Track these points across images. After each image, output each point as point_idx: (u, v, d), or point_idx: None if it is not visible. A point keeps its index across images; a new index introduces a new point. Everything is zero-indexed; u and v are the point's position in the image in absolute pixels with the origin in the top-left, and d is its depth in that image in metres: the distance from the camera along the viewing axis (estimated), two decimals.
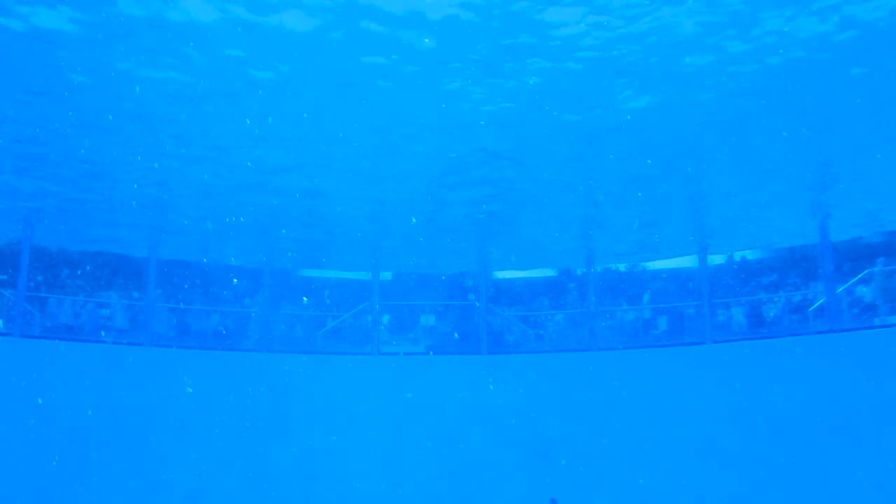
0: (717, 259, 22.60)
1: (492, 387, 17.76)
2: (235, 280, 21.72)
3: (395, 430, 17.53)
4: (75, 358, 16.55)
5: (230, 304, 21.28)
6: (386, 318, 20.85)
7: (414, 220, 17.59)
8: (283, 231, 18.69)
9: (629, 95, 11.91)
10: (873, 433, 15.07)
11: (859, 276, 17.72)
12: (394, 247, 20.31)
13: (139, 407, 16.44)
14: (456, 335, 20.79)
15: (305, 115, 12.30)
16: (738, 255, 23.10)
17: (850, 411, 15.23)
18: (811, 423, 15.54)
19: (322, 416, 17.40)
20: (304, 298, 21.97)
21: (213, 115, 12.32)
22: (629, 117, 12.50)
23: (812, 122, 12.99)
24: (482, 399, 17.73)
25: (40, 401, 15.60)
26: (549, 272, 24.23)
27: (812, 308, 18.20)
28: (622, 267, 24.03)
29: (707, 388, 16.70)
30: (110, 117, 12.39)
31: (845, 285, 17.70)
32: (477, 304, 20.63)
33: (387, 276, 22.95)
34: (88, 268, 21.03)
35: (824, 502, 15.04)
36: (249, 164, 14.29)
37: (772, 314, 19.41)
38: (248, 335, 20.29)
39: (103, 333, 18.56)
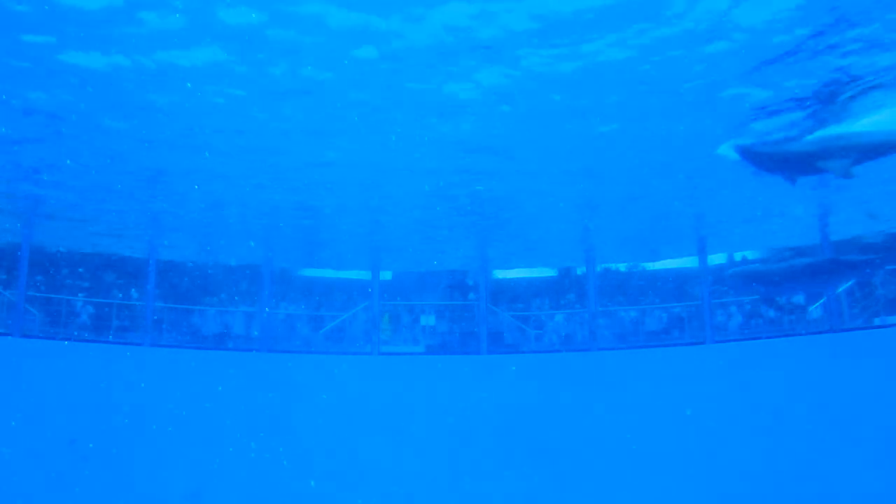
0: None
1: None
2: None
3: (395, 430, 17.57)
4: None
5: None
6: (386, 317, 20.88)
7: (414, 220, 17.61)
8: (283, 231, 18.74)
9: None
10: None
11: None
12: (394, 247, 20.31)
13: None
14: (456, 335, 20.82)
15: (306, 115, 12.29)
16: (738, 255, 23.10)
17: None
18: None
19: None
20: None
21: (213, 116, 12.32)
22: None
23: None
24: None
25: None
26: (549, 272, 24.24)
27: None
28: (622, 267, 24.05)
29: None
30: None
31: (845, 285, 17.70)
32: (477, 303, 20.65)
33: (387, 275, 22.98)
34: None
35: None
36: (249, 164, 14.30)
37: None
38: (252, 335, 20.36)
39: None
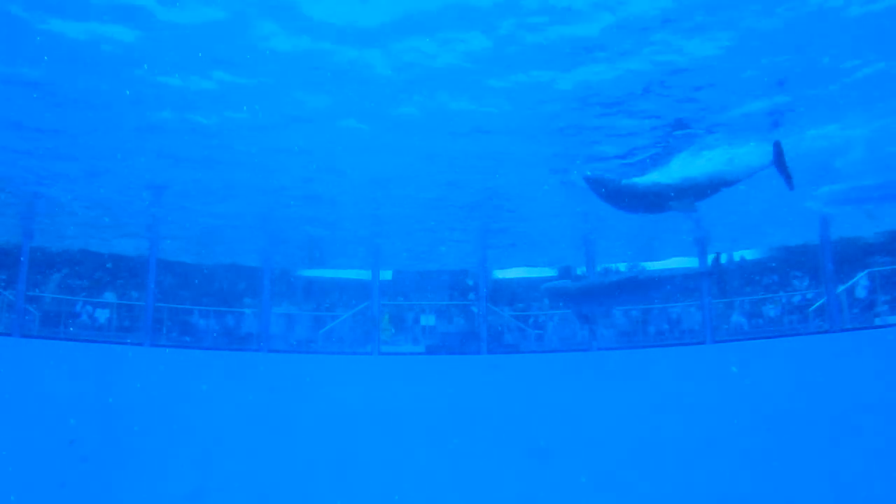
0: None
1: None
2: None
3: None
4: None
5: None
6: (386, 317, 20.86)
7: (414, 220, 17.61)
8: (284, 232, 18.73)
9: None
10: None
11: (859, 276, 17.76)
12: (394, 246, 20.30)
13: None
14: (456, 335, 20.81)
15: (307, 116, 12.29)
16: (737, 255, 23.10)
17: None
18: None
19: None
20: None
21: (214, 117, 12.31)
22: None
23: None
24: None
25: None
26: (549, 272, 24.20)
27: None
28: (622, 266, 24.00)
29: None
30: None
31: (845, 285, 17.74)
32: (477, 303, 20.64)
33: (387, 275, 22.95)
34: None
35: None
36: (250, 164, 14.30)
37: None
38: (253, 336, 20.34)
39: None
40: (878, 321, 16.80)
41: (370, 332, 19.78)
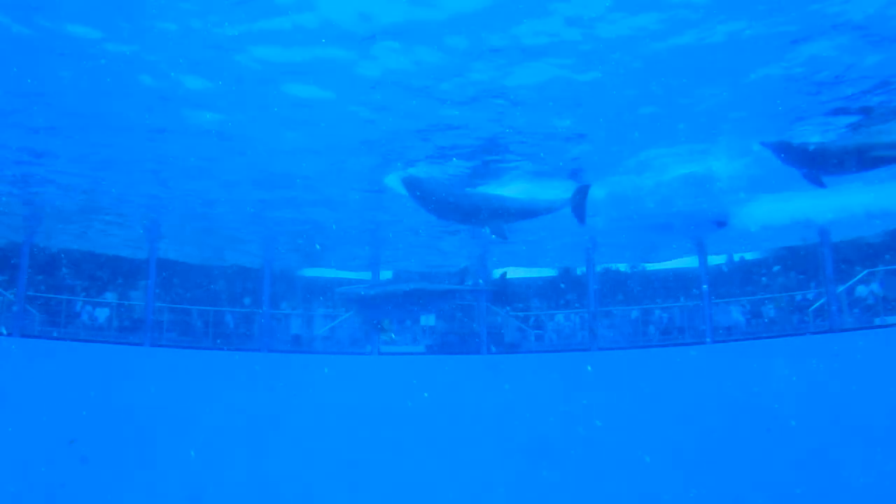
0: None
1: None
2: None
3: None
4: None
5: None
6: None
7: (414, 220, 17.59)
8: (284, 232, 18.73)
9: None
10: None
11: (859, 276, 17.74)
12: (394, 247, 20.29)
13: None
14: (456, 335, 20.80)
15: (305, 116, 12.29)
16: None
17: None
18: None
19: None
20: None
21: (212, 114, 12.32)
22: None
23: None
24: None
25: None
26: (549, 272, 24.20)
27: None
28: (623, 267, 24.02)
29: None
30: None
31: (845, 285, 17.71)
32: (477, 304, 20.63)
33: (387, 276, 22.95)
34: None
35: None
36: (250, 164, 14.30)
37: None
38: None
39: None
40: (877, 321, 16.80)
41: (370, 332, 19.77)
